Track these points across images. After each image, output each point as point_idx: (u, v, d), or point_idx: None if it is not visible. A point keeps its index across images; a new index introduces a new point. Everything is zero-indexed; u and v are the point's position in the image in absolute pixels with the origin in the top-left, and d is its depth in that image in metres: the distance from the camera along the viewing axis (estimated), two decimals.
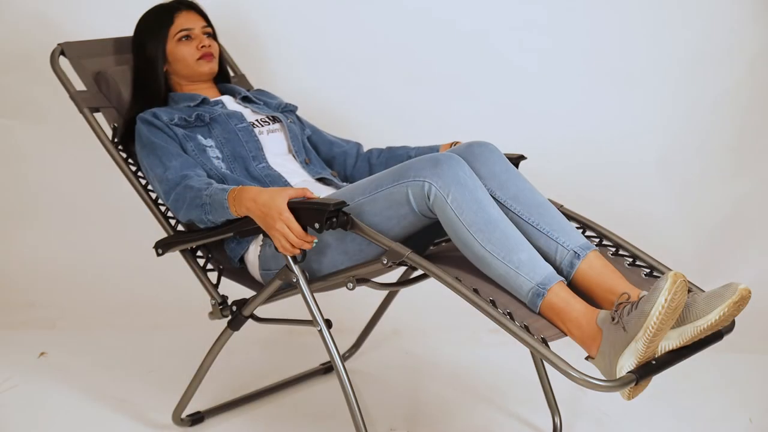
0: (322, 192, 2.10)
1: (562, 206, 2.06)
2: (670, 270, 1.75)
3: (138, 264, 3.34)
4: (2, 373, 2.64)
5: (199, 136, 2.15)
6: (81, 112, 2.29)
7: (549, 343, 1.65)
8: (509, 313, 1.69)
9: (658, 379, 2.52)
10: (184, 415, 2.31)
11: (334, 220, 1.77)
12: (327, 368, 2.64)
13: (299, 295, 1.92)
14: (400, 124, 3.20)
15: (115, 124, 2.29)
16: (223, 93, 2.37)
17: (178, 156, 2.09)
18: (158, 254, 2.15)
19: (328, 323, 1.89)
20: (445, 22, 3.23)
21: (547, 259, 1.79)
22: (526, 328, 1.66)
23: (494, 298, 1.73)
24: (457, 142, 2.22)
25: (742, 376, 2.55)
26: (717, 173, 3.25)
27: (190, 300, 2.87)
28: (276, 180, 2.12)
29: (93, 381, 2.58)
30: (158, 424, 2.33)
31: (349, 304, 2.78)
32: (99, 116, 2.33)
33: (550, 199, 1.92)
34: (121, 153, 2.27)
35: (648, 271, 1.91)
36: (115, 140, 2.27)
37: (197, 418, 2.34)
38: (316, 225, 1.77)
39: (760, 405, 2.36)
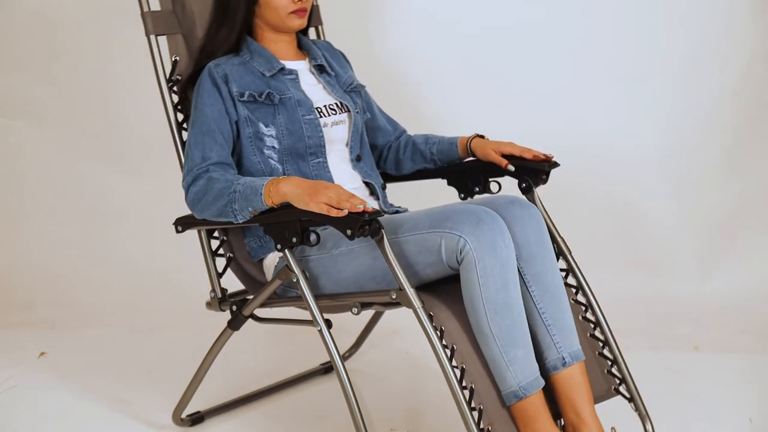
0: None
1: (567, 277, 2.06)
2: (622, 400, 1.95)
3: (138, 264, 3.34)
4: (2, 373, 2.64)
5: (261, 124, 2.02)
6: (147, 36, 2.11)
7: None
8: (480, 410, 1.74)
9: (658, 380, 2.52)
10: (184, 415, 2.31)
11: (367, 227, 1.74)
12: (327, 368, 2.64)
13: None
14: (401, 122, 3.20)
15: (176, 57, 2.14)
16: (299, 46, 2.20)
17: (221, 148, 1.98)
18: (177, 231, 2.07)
19: (328, 323, 1.89)
20: (447, 21, 3.23)
21: (538, 346, 1.84)
22: None
23: (476, 384, 1.77)
24: (479, 135, 2.16)
25: (742, 376, 2.55)
26: (716, 173, 3.25)
27: (190, 300, 2.87)
28: (321, 177, 2.06)
29: (93, 381, 2.58)
30: (158, 424, 2.33)
31: None
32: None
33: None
34: (172, 95, 2.11)
35: (602, 343, 1.99)
36: (172, 78, 2.11)
37: (197, 418, 2.33)
38: (348, 231, 1.73)
39: (760, 405, 2.36)
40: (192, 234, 2.15)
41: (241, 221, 1.90)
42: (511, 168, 2.07)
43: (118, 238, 3.41)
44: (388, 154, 2.30)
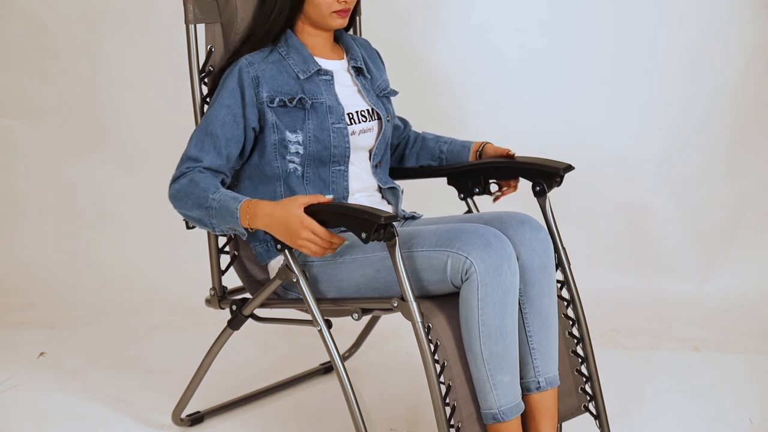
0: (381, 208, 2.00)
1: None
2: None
3: (137, 264, 3.34)
4: (2, 373, 2.64)
5: (287, 132, 1.98)
6: (186, 24, 2.05)
7: None
8: (458, 428, 1.77)
9: (657, 380, 2.52)
10: (183, 415, 2.31)
11: (382, 231, 1.73)
12: (327, 368, 2.64)
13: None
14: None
15: (212, 47, 2.09)
16: (337, 40, 2.14)
17: (217, 155, 1.94)
18: (188, 227, 2.05)
19: (328, 323, 1.89)
20: (448, 20, 3.23)
21: (520, 366, 1.86)
22: None
23: (458, 403, 1.79)
24: (487, 143, 2.17)
25: (742, 376, 2.55)
26: (716, 173, 3.25)
27: (190, 300, 2.87)
28: (338, 183, 2.05)
29: (93, 381, 2.58)
30: (158, 424, 2.33)
31: None
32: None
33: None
34: (203, 85, 2.06)
35: (581, 360, 2.02)
36: (205, 69, 2.06)
37: (197, 418, 2.33)
38: (363, 234, 1.72)
39: (760, 405, 2.36)
40: (192, 234, 2.15)
41: (219, 234, 1.91)
42: (513, 153, 2.10)
43: (117, 238, 3.41)
44: (395, 150, 2.29)
